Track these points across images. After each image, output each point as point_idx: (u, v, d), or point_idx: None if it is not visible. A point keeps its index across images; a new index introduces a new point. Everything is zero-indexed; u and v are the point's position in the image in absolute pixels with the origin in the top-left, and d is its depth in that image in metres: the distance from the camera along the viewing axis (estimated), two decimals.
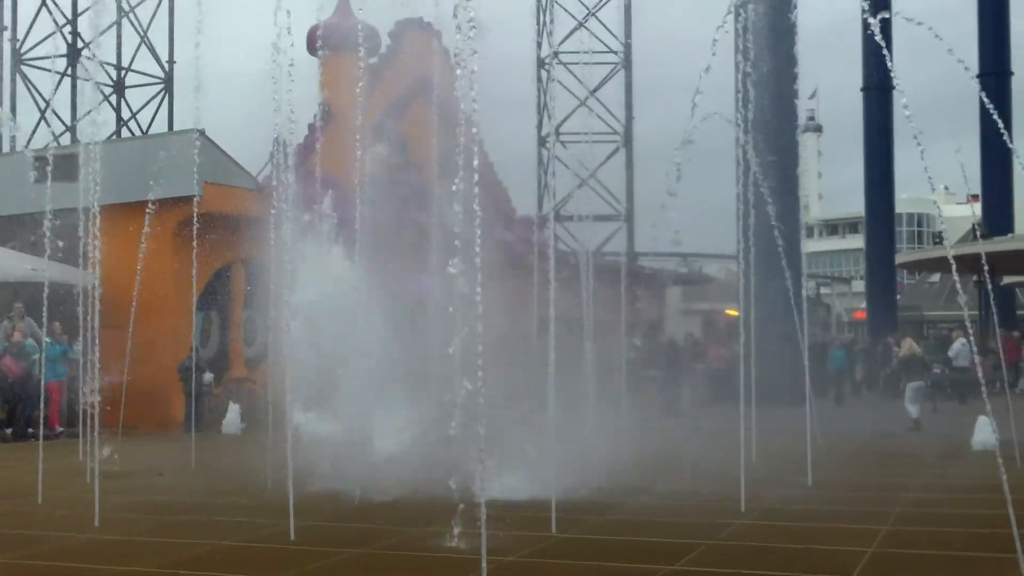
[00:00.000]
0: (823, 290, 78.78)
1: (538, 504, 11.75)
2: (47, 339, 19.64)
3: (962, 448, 18.25)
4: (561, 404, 12.62)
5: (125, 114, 45.43)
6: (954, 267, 9.49)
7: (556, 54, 51.32)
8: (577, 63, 49.28)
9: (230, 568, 9.95)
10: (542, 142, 50.22)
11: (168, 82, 45.69)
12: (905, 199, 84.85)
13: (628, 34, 51.46)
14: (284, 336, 12.80)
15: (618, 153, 50.82)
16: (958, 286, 9.72)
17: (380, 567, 10.00)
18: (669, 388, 27.57)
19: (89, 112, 37.94)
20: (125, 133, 44.41)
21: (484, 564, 7.97)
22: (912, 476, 15.67)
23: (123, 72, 45.47)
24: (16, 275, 22.57)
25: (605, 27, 51.35)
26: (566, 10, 51.68)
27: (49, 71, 43.97)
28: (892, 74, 10.69)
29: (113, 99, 45.04)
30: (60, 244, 15.03)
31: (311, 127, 28.84)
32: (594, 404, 16.10)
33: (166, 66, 45.70)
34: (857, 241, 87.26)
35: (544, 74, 51.90)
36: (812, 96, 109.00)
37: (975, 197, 51.69)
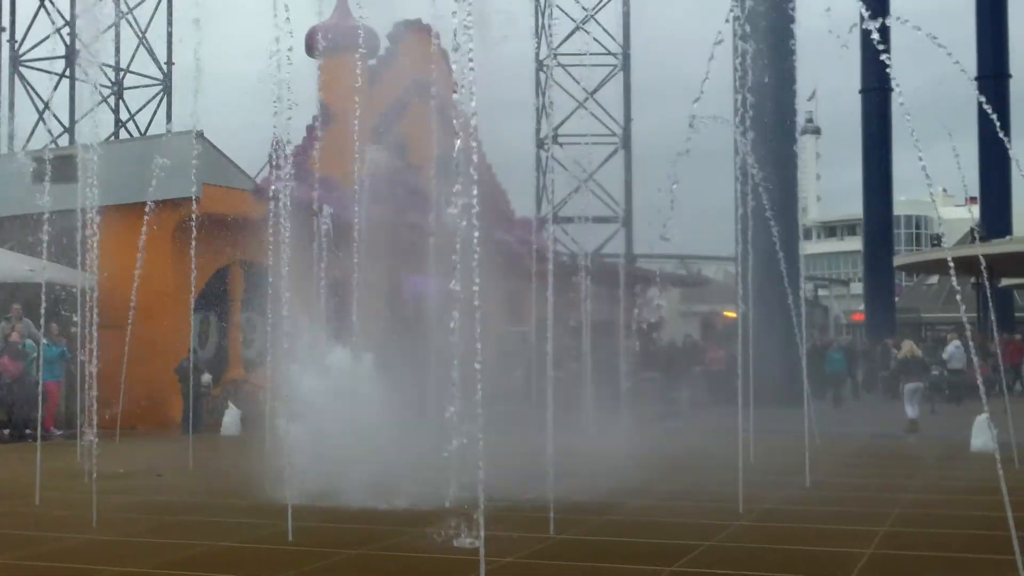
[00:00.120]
0: (821, 292, 78.78)
1: (536, 505, 11.75)
2: (44, 340, 19.65)
3: (960, 450, 18.26)
4: (561, 406, 12.63)
5: (123, 115, 45.43)
6: (952, 269, 9.49)
7: (555, 56, 51.35)
8: (576, 65, 49.30)
9: (228, 569, 9.94)
10: (540, 144, 50.23)
11: (167, 83, 45.69)
12: (903, 201, 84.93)
13: (626, 36, 51.48)
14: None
15: (616, 155, 50.85)
16: (956, 288, 9.72)
17: (378, 568, 9.99)
18: (668, 390, 27.59)
19: (88, 113, 37.96)
20: (123, 134, 44.41)
21: (483, 566, 7.97)
22: (910, 478, 15.67)
23: (121, 73, 45.48)
24: (14, 276, 22.55)
25: (604, 29, 51.38)
26: (564, 12, 51.70)
27: (47, 72, 43.98)
28: (891, 77, 10.69)
29: (111, 100, 45.04)
30: (58, 245, 14.99)
31: (309, 129, 28.86)
32: (593, 406, 16.10)
33: (164, 67, 45.71)
34: (855, 243, 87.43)
35: (543, 76, 51.91)
36: (811, 98, 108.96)
37: (973, 199, 51.76)
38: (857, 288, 75.28)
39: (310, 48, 30.08)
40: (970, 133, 48.33)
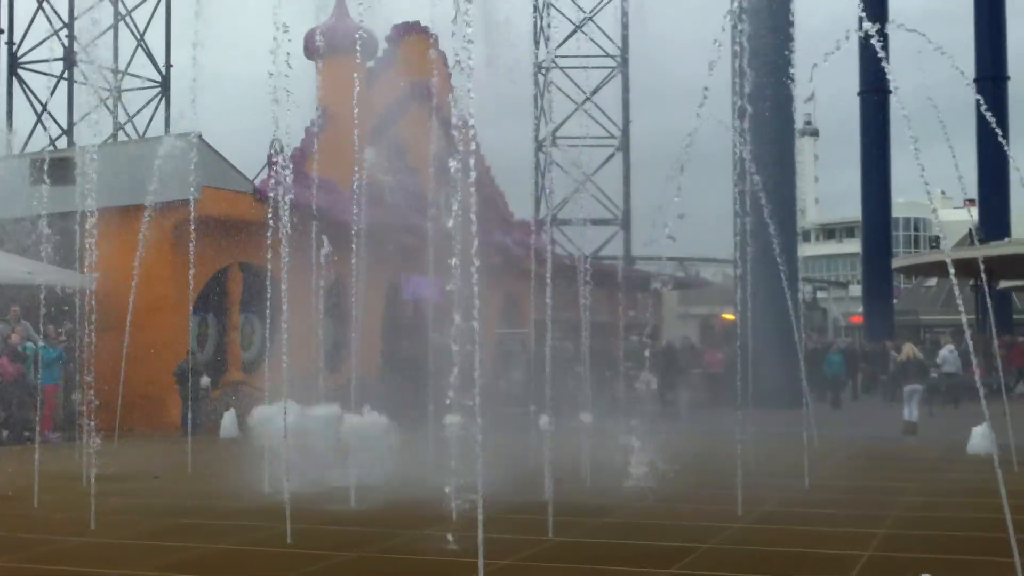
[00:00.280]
0: (820, 294, 78.86)
1: (535, 507, 11.74)
2: (42, 343, 19.64)
3: (959, 452, 18.25)
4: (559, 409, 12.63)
5: (122, 118, 45.39)
6: (952, 271, 9.49)
7: (553, 55, 51.40)
8: (574, 67, 49.38)
9: (227, 571, 9.95)
10: (539, 146, 50.27)
11: (165, 85, 45.67)
12: (902, 203, 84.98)
13: (625, 38, 51.52)
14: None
15: (615, 157, 50.88)
16: (956, 290, 9.71)
17: (377, 570, 9.99)
18: (666, 392, 27.57)
19: (86, 116, 37.91)
20: (122, 137, 44.38)
21: (481, 568, 7.96)
22: (909, 480, 15.67)
23: (119, 75, 45.44)
24: (13, 278, 22.53)
25: (602, 31, 51.42)
26: (563, 14, 51.76)
27: (46, 75, 43.95)
28: (890, 80, 10.70)
29: (110, 103, 45.00)
30: (56, 247, 15.00)
31: (308, 131, 28.87)
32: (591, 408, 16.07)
33: (163, 69, 45.69)
34: (854, 245, 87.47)
35: (541, 78, 51.96)
36: (809, 100, 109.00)
37: (972, 201, 51.78)
38: (856, 290, 75.40)
39: (309, 50, 30.12)
40: (968, 135, 48.36)
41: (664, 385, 27.18)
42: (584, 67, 48.99)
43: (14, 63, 43.50)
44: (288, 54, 14.06)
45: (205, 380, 23.66)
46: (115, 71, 45.16)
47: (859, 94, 50.35)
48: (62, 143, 41.80)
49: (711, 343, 36.73)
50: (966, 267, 34.10)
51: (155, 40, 45.53)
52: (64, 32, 43.70)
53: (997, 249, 40.26)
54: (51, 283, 14.73)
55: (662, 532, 11.44)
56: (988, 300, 21.04)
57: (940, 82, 14.20)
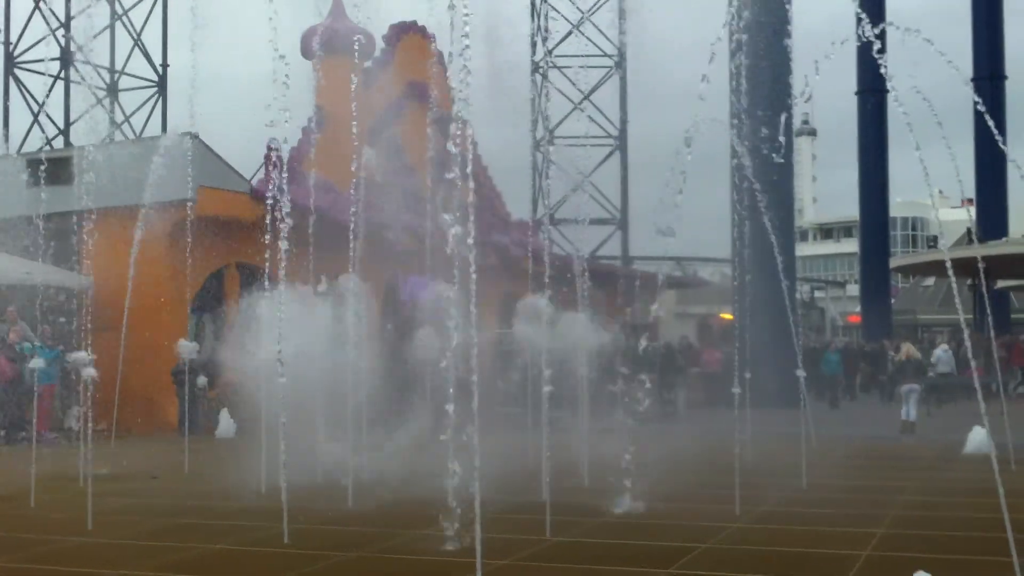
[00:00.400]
0: (818, 294, 78.86)
1: (533, 507, 11.74)
2: (39, 343, 19.62)
3: (957, 452, 18.25)
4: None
5: (118, 117, 45.37)
6: (951, 270, 9.48)
7: (550, 54, 51.38)
8: (571, 67, 49.38)
9: (225, 571, 9.94)
10: (537, 146, 50.27)
11: (162, 85, 45.65)
12: (899, 203, 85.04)
13: (622, 38, 51.53)
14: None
15: (613, 157, 50.89)
16: (954, 289, 9.70)
17: (375, 570, 9.98)
18: (663, 391, 27.56)
19: (84, 114, 37.87)
20: (119, 136, 44.35)
21: (480, 568, 7.95)
22: (907, 480, 15.67)
23: (116, 75, 45.43)
24: (10, 278, 22.52)
25: (599, 31, 51.42)
26: (561, 14, 51.76)
27: (42, 74, 43.92)
28: (888, 79, 10.69)
29: (107, 102, 44.97)
30: (53, 247, 14.98)
31: (305, 131, 28.84)
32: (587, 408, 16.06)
33: (159, 69, 45.67)
34: (851, 245, 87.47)
35: (539, 78, 51.96)
36: (807, 99, 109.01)
37: (970, 201, 51.79)
38: (853, 290, 75.37)
39: (306, 50, 30.11)
40: (966, 135, 48.39)
41: (662, 385, 27.17)
42: (582, 66, 49.02)
43: (10, 62, 43.46)
44: (283, 55, 14.00)
45: (202, 380, 23.63)
46: (112, 71, 45.15)
47: (857, 94, 50.37)
48: (58, 143, 41.77)
49: (709, 343, 36.72)
50: (964, 267, 34.08)
51: (152, 40, 45.54)
52: (61, 32, 43.67)
53: (994, 249, 40.26)
54: (48, 283, 14.69)
55: (661, 532, 11.43)
56: (986, 300, 21.00)
57: (937, 82, 14.20)
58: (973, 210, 49.61)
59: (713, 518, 11.93)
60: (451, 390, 8.17)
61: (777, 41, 27.01)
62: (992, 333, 17.89)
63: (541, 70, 51.92)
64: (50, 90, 43.55)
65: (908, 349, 24.42)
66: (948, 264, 9.21)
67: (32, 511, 12.96)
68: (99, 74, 44.59)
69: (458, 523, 9.73)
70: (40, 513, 12.82)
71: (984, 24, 49.73)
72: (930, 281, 67.19)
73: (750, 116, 14.40)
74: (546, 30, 52.25)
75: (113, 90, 45.38)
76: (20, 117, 44.40)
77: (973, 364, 14.49)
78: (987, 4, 49.80)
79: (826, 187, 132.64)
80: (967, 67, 45.81)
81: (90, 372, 13.25)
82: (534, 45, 52.42)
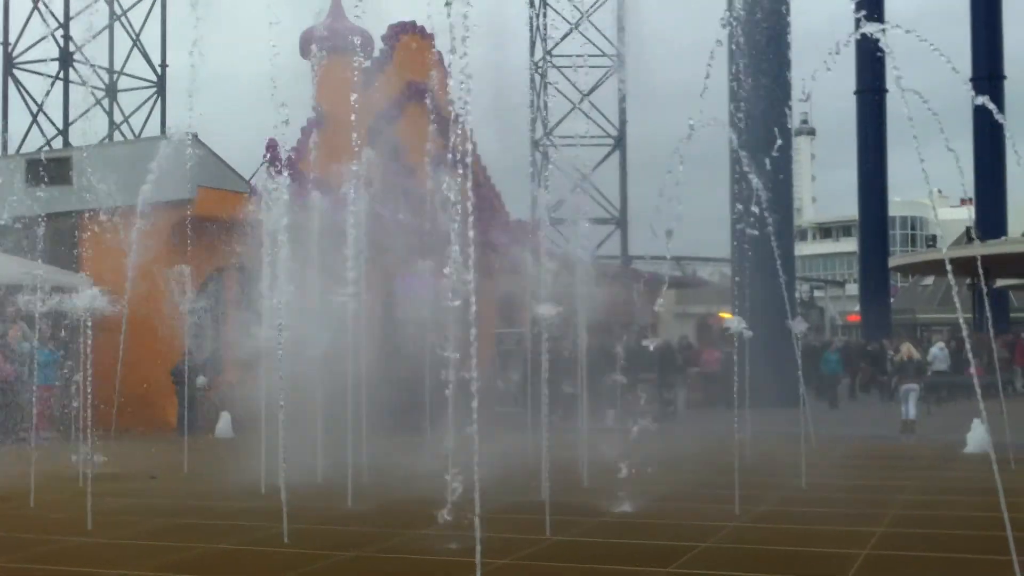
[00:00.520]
0: (817, 293, 78.85)
1: (533, 506, 11.74)
2: (37, 343, 19.60)
3: (956, 451, 18.26)
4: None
5: (117, 117, 45.37)
6: (950, 269, 9.49)
7: (549, 54, 51.38)
8: (571, 66, 49.39)
9: (225, 571, 9.94)
10: (536, 145, 50.26)
11: (161, 85, 45.65)
12: (898, 202, 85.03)
13: (621, 37, 51.53)
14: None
15: (612, 156, 50.90)
16: (953, 289, 9.71)
17: (375, 570, 9.99)
18: (662, 391, 27.55)
19: (82, 116, 37.86)
20: (117, 137, 44.35)
21: (479, 567, 7.95)
22: (906, 479, 15.67)
23: (115, 75, 45.43)
24: (10, 278, 22.49)
25: (598, 30, 51.43)
26: (560, 14, 51.76)
27: (41, 75, 43.91)
28: (892, 77, 10.70)
29: (105, 103, 44.99)
30: (53, 247, 14.97)
31: (304, 131, 28.84)
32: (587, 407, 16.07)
33: (158, 69, 45.67)
34: (851, 244, 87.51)
35: (538, 77, 51.97)
36: (806, 99, 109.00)
37: (969, 200, 51.81)
38: (853, 289, 75.33)
39: (304, 50, 30.11)
40: (964, 135, 48.38)
41: (662, 385, 27.18)
42: (581, 66, 49.04)
43: (9, 63, 43.45)
44: (279, 53, 14.03)
45: (201, 380, 23.64)
46: (111, 71, 45.15)
47: (856, 93, 50.38)
48: (57, 143, 41.78)
49: (708, 342, 36.71)
50: (963, 266, 34.10)
51: (151, 40, 45.54)
52: (60, 32, 43.67)
53: (993, 248, 40.30)
54: (47, 283, 14.69)
55: (660, 531, 11.44)
56: (985, 299, 21.02)
57: (936, 82, 14.20)
58: (972, 209, 49.66)
59: (712, 517, 11.94)
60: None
61: (776, 41, 27.03)
62: (991, 332, 17.88)
63: (540, 70, 51.92)
64: (49, 90, 43.57)
65: (908, 349, 24.42)
66: (947, 264, 9.22)
67: (32, 511, 12.97)
68: (98, 74, 44.60)
69: (458, 522, 9.73)
70: (40, 513, 12.83)
71: (983, 24, 49.74)
72: (929, 280, 67.21)
73: (749, 116, 14.40)
74: (545, 27, 52.27)
75: (112, 90, 45.38)
76: (19, 117, 44.38)
77: (973, 363, 14.49)
78: (986, 4, 49.82)
79: (825, 186, 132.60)
80: (966, 67, 45.82)
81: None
82: (533, 45, 52.44)
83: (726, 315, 38.19)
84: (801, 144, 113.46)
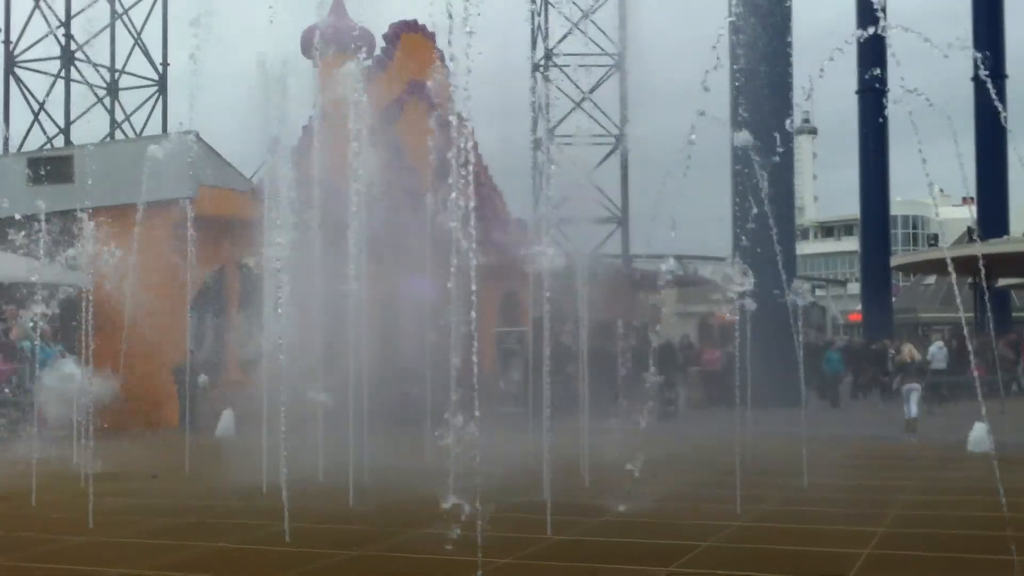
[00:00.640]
0: (818, 292, 78.84)
1: (533, 506, 11.74)
2: (39, 342, 19.60)
3: (958, 451, 18.24)
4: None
5: (119, 116, 45.39)
6: (952, 268, 9.49)
7: (550, 55, 51.37)
8: (571, 65, 49.36)
9: (226, 571, 9.93)
10: (537, 144, 50.21)
11: (162, 84, 45.67)
12: (900, 201, 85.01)
13: (623, 36, 51.48)
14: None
15: (613, 156, 50.86)
16: (955, 288, 9.71)
17: (376, 569, 9.98)
18: (663, 389, 27.53)
19: (83, 114, 37.86)
20: (119, 135, 44.37)
21: (480, 567, 7.96)
22: (908, 478, 15.66)
23: (117, 74, 45.45)
24: (11, 277, 22.50)
25: (600, 29, 51.39)
26: (561, 12, 51.73)
27: (43, 73, 43.93)
28: (898, 77, 10.69)
29: (107, 101, 45.01)
30: (54, 246, 14.96)
31: (305, 130, 28.82)
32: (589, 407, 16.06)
33: (160, 68, 45.69)
34: (852, 243, 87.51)
35: (539, 76, 51.93)
36: (807, 98, 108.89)
37: (970, 199, 51.74)
38: (854, 288, 75.34)
39: (306, 49, 30.10)
40: (966, 133, 48.33)
41: (663, 384, 27.14)
42: (582, 65, 48.99)
43: (11, 62, 43.47)
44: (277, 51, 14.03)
45: (203, 379, 23.64)
46: (112, 70, 45.16)
47: (857, 92, 50.32)
48: (59, 142, 41.80)
49: (709, 341, 36.69)
50: (965, 265, 34.03)
51: (152, 39, 45.56)
52: (61, 31, 43.69)
53: (995, 247, 40.24)
54: (48, 282, 14.68)
55: (661, 530, 11.43)
56: (986, 297, 21.01)
57: (937, 81, 14.20)
58: (974, 208, 49.61)
59: (714, 517, 11.93)
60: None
61: (777, 39, 27.02)
62: (992, 331, 17.88)
63: (541, 69, 51.89)
64: (50, 89, 43.60)
65: (910, 350, 24.43)
66: (949, 263, 9.22)
67: (33, 510, 12.97)
68: (99, 73, 44.62)
69: (459, 521, 9.74)
70: (41, 512, 12.82)
71: (985, 23, 49.68)
72: (931, 279, 67.17)
73: (750, 114, 14.38)
74: (546, 26, 52.25)
75: (113, 89, 45.39)
76: (20, 116, 44.42)
77: (974, 362, 14.49)
78: (987, 4, 49.77)
79: (827, 185, 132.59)
80: (967, 66, 45.77)
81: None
82: (534, 44, 52.42)
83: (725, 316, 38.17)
84: (803, 143, 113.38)
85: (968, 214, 39.90)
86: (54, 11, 43.87)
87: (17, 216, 15.89)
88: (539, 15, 52.43)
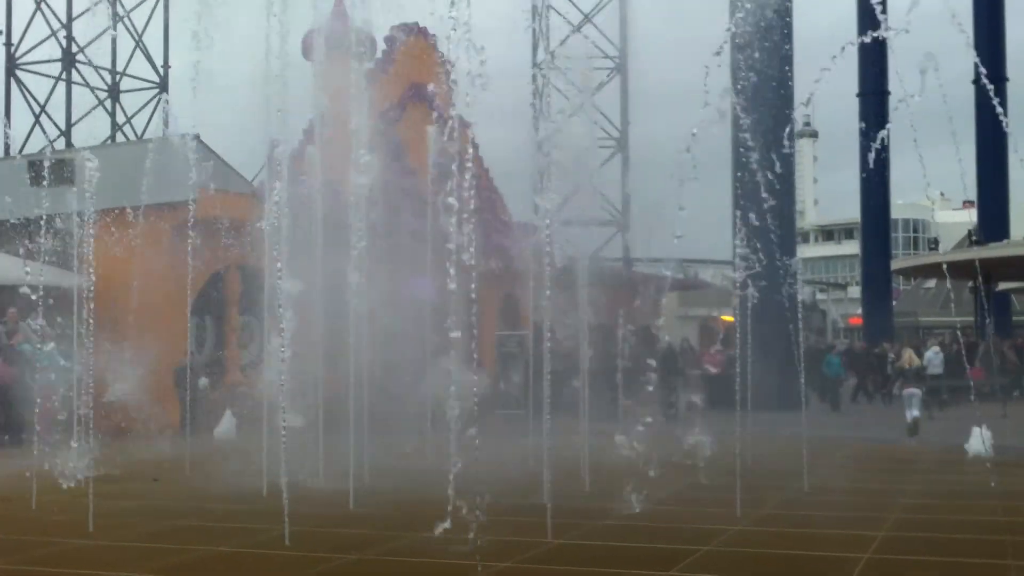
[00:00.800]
0: (819, 296, 78.87)
1: (534, 509, 11.72)
2: (39, 345, 19.60)
3: (957, 454, 18.23)
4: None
5: (120, 118, 45.41)
6: (947, 272, 9.49)
7: (551, 56, 51.41)
8: (572, 68, 49.37)
9: (226, 574, 9.93)
10: (538, 147, 50.16)
11: (163, 86, 45.69)
12: (901, 205, 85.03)
13: (624, 39, 51.54)
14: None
15: (614, 158, 50.89)
16: (950, 294, 9.71)
17: (376, 573, 9.97)
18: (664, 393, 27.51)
19: (84, 116, 37.86)
20: (120, 138, 44.39)
21: (480, 573, 7.95)
22: (908, 482, 15.65)
23: (118, 76, 45.47)
24: (11, 279, 22.50)
25: (601, 32, 51.42)
26: (562, 15, 51.78)
27: (44, 75, 43.96)
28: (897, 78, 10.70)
29: (108, 103, 45.04)
30: (54, 248, 14.96)
31: (307, 132, 28.81)
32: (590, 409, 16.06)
33: (161, 70, 45.71)
34: (853, 247, 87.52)
35: (539, 79, 51.95)
36: (807, 102, 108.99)
37: (971, 203, 51.77)
38: (855, 292, 75.35)
39: (306, 51, 30.08)
40: (967, 137, 48.34)
41: (664, 387, 27.13)
42: (582, 67, 49.01)
43: (12, 64, 43.50)
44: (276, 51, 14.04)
45: (203, 381, 23.63)
46: (113, 72, 45.19)
47: (858, 95, 50.35)
48: (60, 144, 41.81)
49: (710, 344, 36.64)
50: (966, 269, 34.03)
51: (153, 41, 45.60)
52: (62, 33, 43.71)
53: (995, 251, 40.23)
54: (49, 284, 14.68)
55: (661, 534, 11.42)
56: (984, 302, 21.00)
57: (938, 83, 14.18)
58: (974, 212, 49.65)
59: (714, 520, 11.93)
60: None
61: (778, 43, 27.01)
62: (993, 335, 17.88)
63: (542, 71, 51.90)
64: (51, 91, 43.62)
65: (910, 356, 24.42)
66: (945, 267, 9.21)
67: (33, 513, 12.96)
68: (100, 75, 44.65)
69: (459, 525, 9.73)
70: (41, 515, 12.81)
71: (986, 26, 49.70)
72: (932, 283, 67.19)
73: (751, 119, 14.37)
74: (547, 29, 52.28)
75: (114, 91, 45.42)
76: (21, 118, 44.47)
77: (976, 366, 14.49)
78: (988, 6, 49.80)
79: (827, 189, 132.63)
80: (968, 69, 45.82)
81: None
82: (535, 47, 52.46)
83: (728, 318, 38.17)
84: (803, 146, 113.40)
85: (969, 218, 39.86)
86: (55, 13, 43.91)
87: (15, 219, 15.87)
88: (540, 18, 52.47)
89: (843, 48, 11.75)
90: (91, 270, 14.59)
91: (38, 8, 43.67)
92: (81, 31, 43.58)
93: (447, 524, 9.94)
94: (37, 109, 43.72)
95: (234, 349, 26.97)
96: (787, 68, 30.09)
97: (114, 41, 45.01)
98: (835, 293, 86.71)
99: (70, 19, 43.64)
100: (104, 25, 44.05)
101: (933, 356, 31.88)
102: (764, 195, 14.87)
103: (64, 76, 43.60)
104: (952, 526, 12.00)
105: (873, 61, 44.34)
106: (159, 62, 45.66)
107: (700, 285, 50.91)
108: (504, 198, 37.49)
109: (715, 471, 15.10)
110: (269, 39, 14.52)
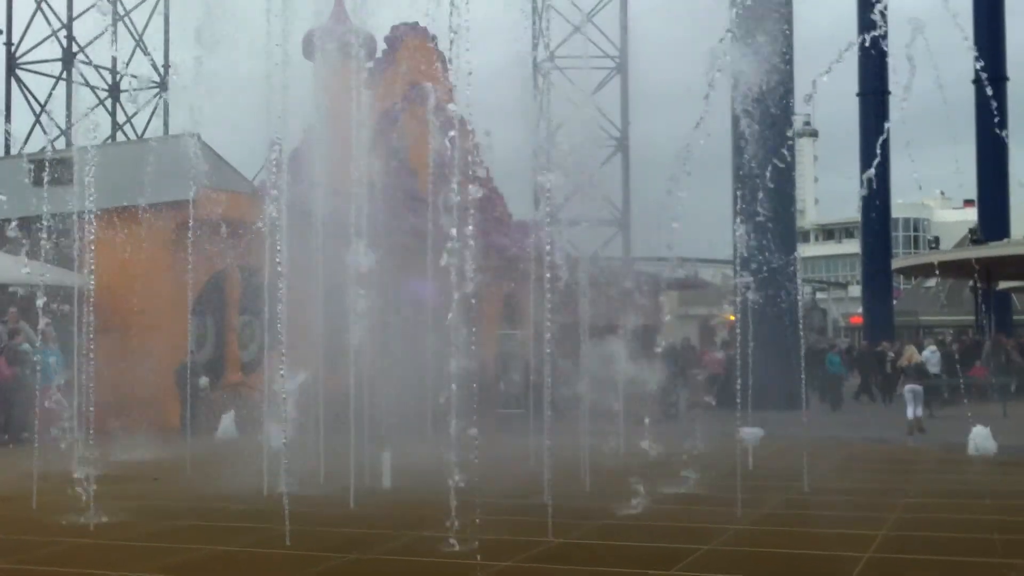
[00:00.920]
0: (819, 295, 78.85)
1: (535, 509, 11.73)
2: (40, 345, 19.59)
3: (958, 453, 18.23)
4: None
5: (120, 118, 45.41)
6: (938, 273, 9.48)
7: (552, 56, 51.43)
8: (572, 67, 49.37)
9: (226, 573, 9.93)
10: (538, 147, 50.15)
11: (163, 86, 45.69)
12: (901, 204, 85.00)
13: (624, 39, 51.53)
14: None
15: (614, 158, 50.89)
16: (942, 295, 9.71)
17: (376, 572, 9.97)
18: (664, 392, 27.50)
19: (85, 116, 37.90)
20: (120, 137, 44.40)
21: (480, 573, 7.95)
22: (909, 481, 15.65)
23: (118, 76, 45.48)
24: (12, 279, 22.51)
25: (601, 32, 51.41)
26: (562, 15, 51.76)
27: (44, 75, 43.96)
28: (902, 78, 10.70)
29: (108, 103, 45.04)
30: (55, 248, 14.97)
31: (307, 132, 28.80)
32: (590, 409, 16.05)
33: (161, 70, 45.71)
34: (853, 246, 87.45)
35: (540, 79, 51.92)
36: (807, 101, 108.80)
37: (971, 202, 51.76)
38: (855, 291, 75.33)
39: (307, 51, 30.08)
40: (967, 136, 48.36)
41: (665, 387, 27.12)
42: (582, 67, 49.02)
43: (12, 63, 43.50)
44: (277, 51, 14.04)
45: (204, 381, 23.62)
46: (113, 71, 45.20)
47: (858, 95, 50.35)
48: (60, 143, 41.79)
49: (710, 344, 36.64)
50: (966, 268, 34.01)
51: (154, 41, 45.60)
52: (63, 32, 43.71)
53: (996, 250, 40.22)
54: (49, 284, 14.69)
55: (662, 534, 11.42)
56: (983, 301, 21.01)
57: (938, 83, 14.19)
58: (974, 211, 49.65)
59: (715, 520, 11.93)
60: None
61: (778, 43, 27.00)
62: (993, 333, 17.89)
63: (542, 71, 51.88)
64: (51, 91, 43.63)
65: (911, 354, 24.41)
66: (936, 268, 9.20)
67: (34, 512, 12.95)
68: (101, 75, 44.65)
69: (460, 524, 9.74)
70: (42, 515, 12.81)
71: (986, 26, 49.69)
72: (932, 282, 67.17)
73: (751, 118, 14.37)
74: (548, 28, 52.29)
75: (115, 91, 45.42)
76: (22, 118, 44.50)
77: (978, 363, 14.49)
78: (988, 5, 49.79)
79: (827, 188, 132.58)
80: (968, 69, 45.82)
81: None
82: (535, 46, 52.43)
83: (731, 316, 38.15)
84: (804, 146, 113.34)
85: (969, 216, 39.89)
86: (56, 13, 43.91)
87: (16, 219, 15.87)
88: (540, 18, 52.46)
89: (841, 54, 11.75)
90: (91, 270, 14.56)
91: (38, 8, 43.68)
92: (81, 31, 43.61)
93: (448, 523, 9.96)
94: (37, 108, 43.73)
95: (234, 349, 26.96)
96: (787, 68, 30.08)
97: (115, 40, 45.04)
98: (836, 292, 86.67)
99: (70, 19, 43.64)
100: (105, 25, 44.10)
101: (930, 355, 31.90)
102: (762, 197, 14.88)
103: (64, 75, 43.61)
104: (952, 525, 12.00)
105: (873, 61, 44.34)
106: (159, 61, 45.70)
107: (700, 284, 50.93)
108: (504, 199, 37.50)
109: (714, 470, 15.10)
110: (269, 39, 14.49)
